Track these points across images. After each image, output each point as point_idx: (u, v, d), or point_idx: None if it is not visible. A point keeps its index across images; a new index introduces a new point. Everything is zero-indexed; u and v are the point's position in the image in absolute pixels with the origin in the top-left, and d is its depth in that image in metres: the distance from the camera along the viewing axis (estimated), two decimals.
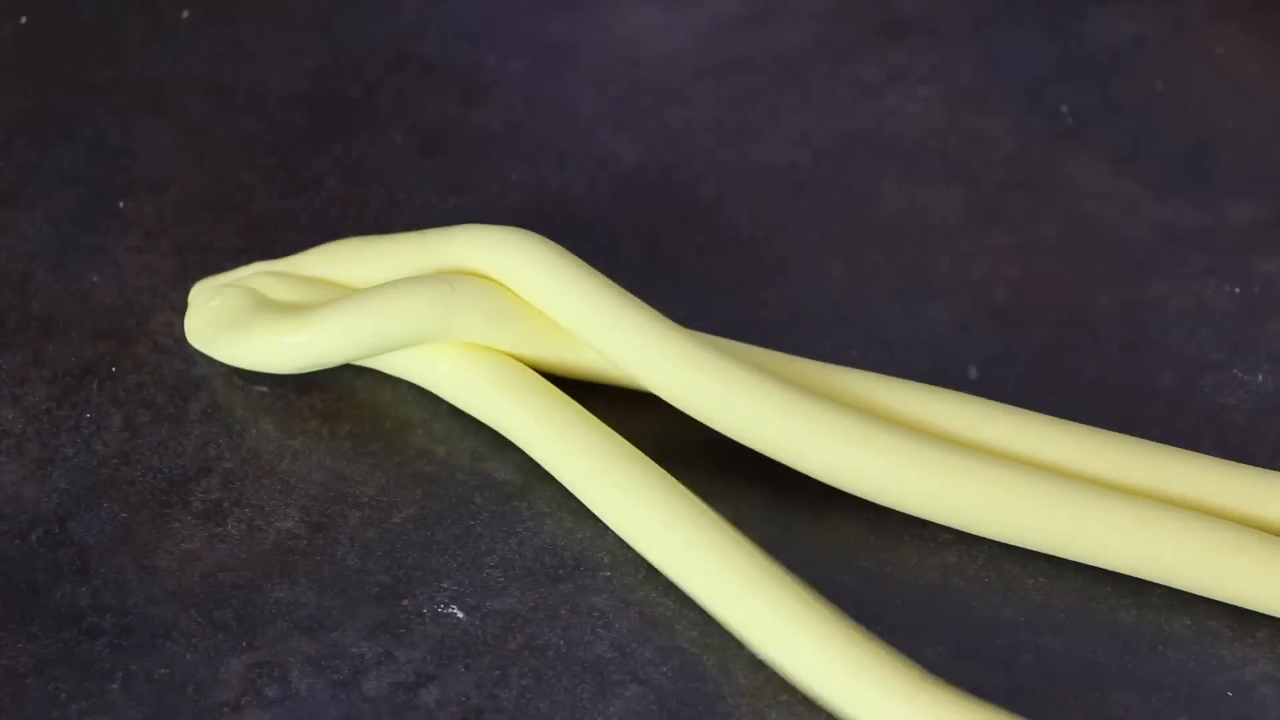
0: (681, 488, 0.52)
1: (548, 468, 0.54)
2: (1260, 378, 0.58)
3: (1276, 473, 0.53)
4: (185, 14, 0.69)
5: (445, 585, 0.53)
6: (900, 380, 0.55)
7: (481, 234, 0.56)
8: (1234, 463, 0.53)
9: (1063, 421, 0.54)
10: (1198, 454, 0.53)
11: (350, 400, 0.57)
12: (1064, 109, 0.66)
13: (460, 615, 0.52)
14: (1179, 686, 0.50)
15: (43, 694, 0.50)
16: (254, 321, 0.56)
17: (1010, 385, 0.57)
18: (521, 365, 0.55)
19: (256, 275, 0.58)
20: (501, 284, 0.56)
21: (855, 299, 0.60)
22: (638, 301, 0.55)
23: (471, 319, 0.55)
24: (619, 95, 0.66)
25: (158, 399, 0.57)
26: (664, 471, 0.53)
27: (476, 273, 0.56)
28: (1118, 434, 0.54)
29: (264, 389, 0.57)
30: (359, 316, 0.55)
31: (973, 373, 0.58)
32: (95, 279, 0.60)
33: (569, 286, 0.55)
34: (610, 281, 0.55)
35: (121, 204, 0.63)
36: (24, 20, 0.69)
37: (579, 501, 0.54)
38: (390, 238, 0.58)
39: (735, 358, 0.54)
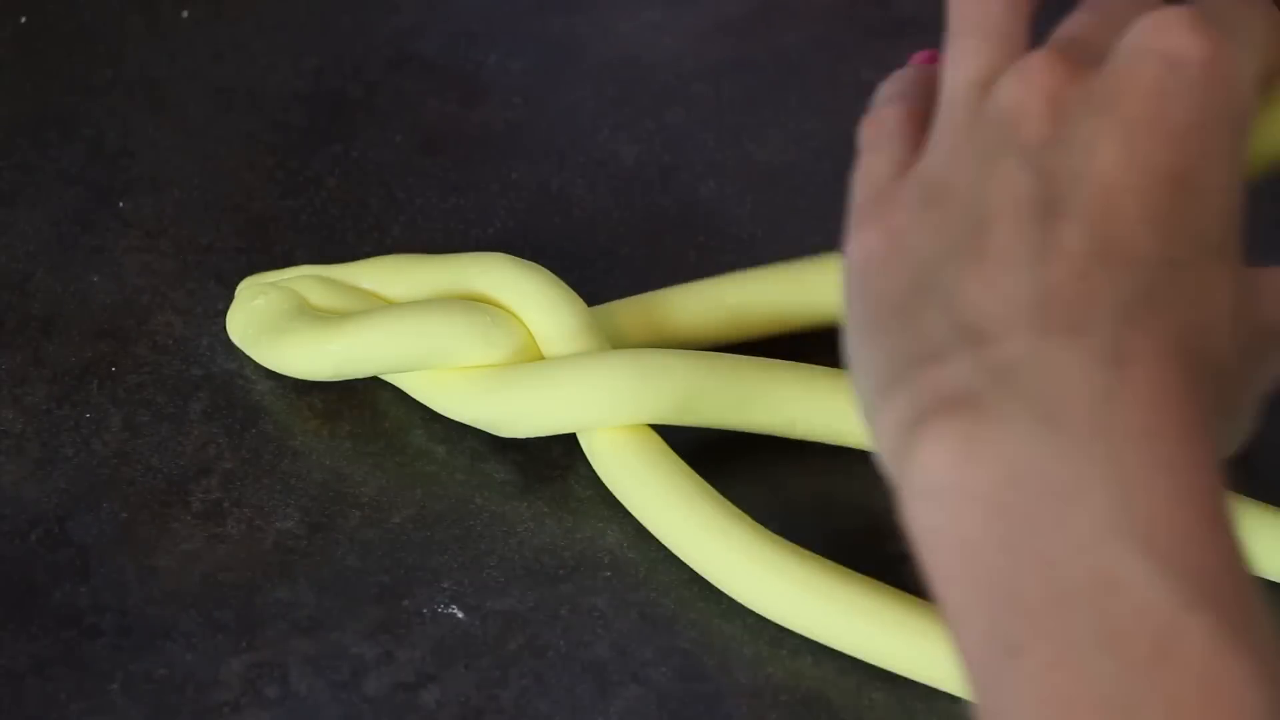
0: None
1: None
2: None
3: None
4: (185, 13, 0.69)
5: (445, 585, 0.53)
6: None
7: (504, 269, 0.56)
8: None
9: None
10: None
11: (350, 400, 0.57)
12: None
13: (460, 615, 0.52)
14: None
15: (42, 694, 0.50)
16: (289, 327, 0.56)
17: None
18: None
19: (302, 278, 0.58)
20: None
21: None
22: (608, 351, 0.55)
23: (505, 349, 0.55)
24: (619, 95, 0.66)
25: (157, 399, 0.57)
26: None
27: (501, 303, 0.56)
28: None
29: (265, 389, 0.57)
30: (395, 331, 0.55)
31: None
32: (95, 279, 0.60)
33: (566, 325, 0.55)
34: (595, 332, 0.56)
35: (121, 204, 0.63)
36: (24, 20, 0.68)
37: (579, 501, 0.54)
38: (438, 259, 0.58)
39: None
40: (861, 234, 0.45)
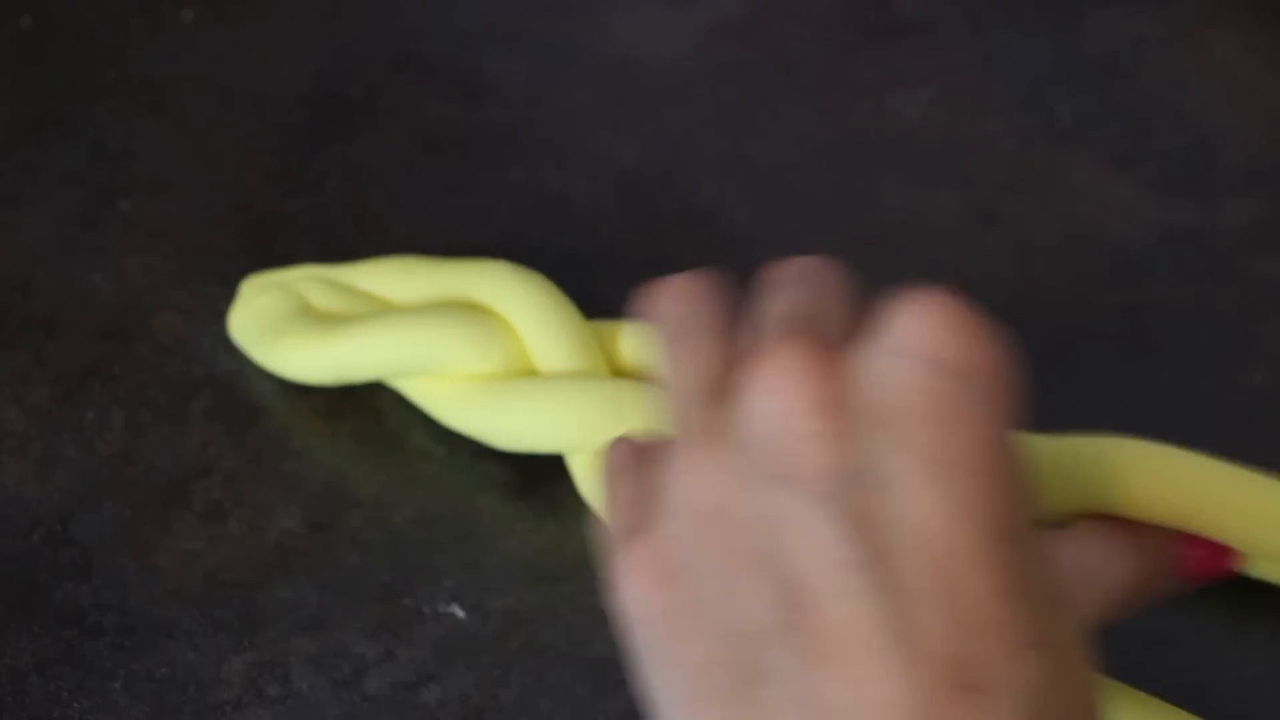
0: None
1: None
2: (1259, 378, 0.58)
3: None
4: (187, 15, 0.69)
5: (446, 584, 0.53)
6: None
7: (503, 278, 0.56)
8: None
9: None
10: None
11: (351, 400, 0.57)
12: (1064, 110, 0.66)
13: (461, 614, 0.52)
14: (1179, 686, 0.50)
15: (45, 692, 0.50)
16: (290, 330, 0.56)
17: None
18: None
19: (305, 279, 0.58)
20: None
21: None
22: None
23: (498, 361, 0.55)
24: (619, 95, 0.66)
25: (159, 399, 0.57)
26: None
27: (499, 312, 0.56)
28: None
29: (266, 389, 0.57)
30: (392, 338, 0.55)
31: None
32: (97, 279, 0.60)
33: (559, 341, 0.55)
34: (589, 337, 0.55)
35: (123, 205, 0.63)
36: (27, 22, 0.69)
37: (579, 501, 0.54)
38: (441, 263, 0.58)
39: None
40: (632, 575, 0.40)
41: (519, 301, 0.55)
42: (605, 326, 0.56)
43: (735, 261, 0.61)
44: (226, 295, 0.59)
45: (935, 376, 0.37)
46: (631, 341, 0.55)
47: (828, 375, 0.37)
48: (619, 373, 0.55)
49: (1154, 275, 0.61)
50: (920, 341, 0.37)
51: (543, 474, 0.55)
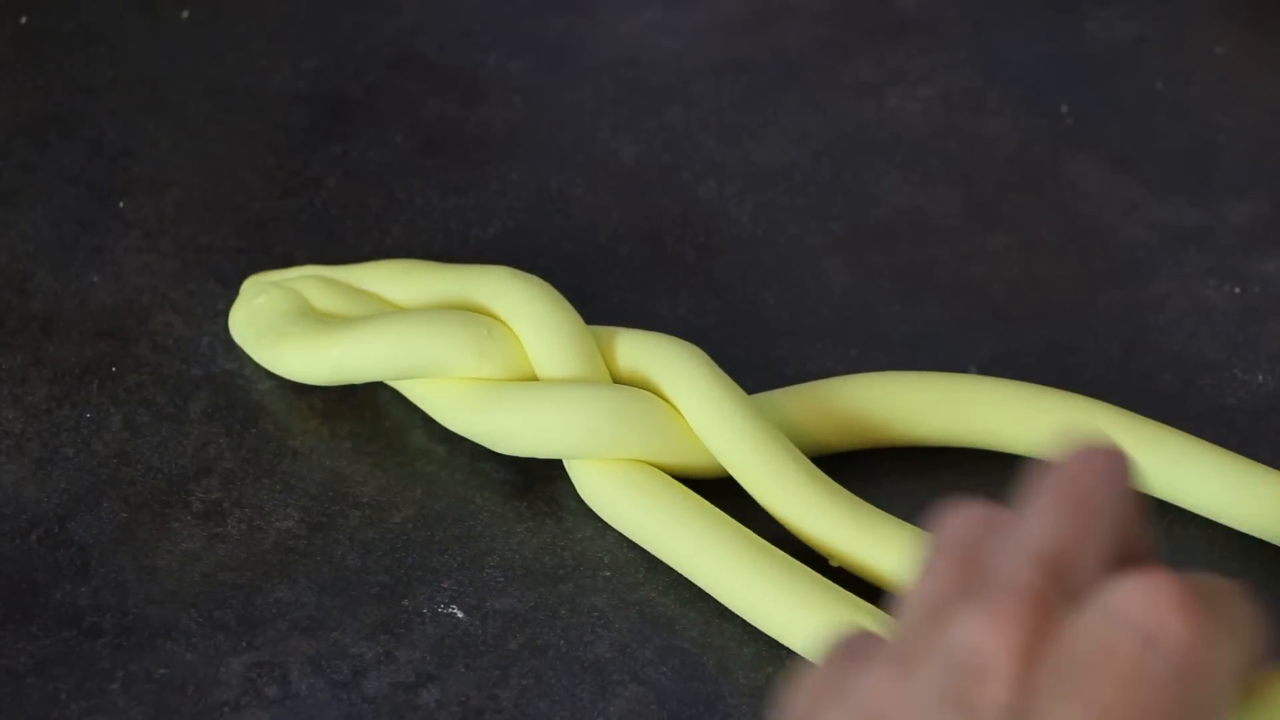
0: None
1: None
2: (1260, 378, 0.58)
3: None
4: (185, 14, 0.69)
5: (445, 585, 0.53)
6: None
7: (505, 283, 0.56)
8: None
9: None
10: None
11: (350, 400, 0.57)
12: (1064, 109, 0.66)
13: (460, 615, 0.52)
14: None
15: (43, 693, 0.50)
16: (289, 330, 0.56)
17: None
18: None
19: (306, 279, 0.58)
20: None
21: (855, 299, 0.60)
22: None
23: (497, 365, 0.55)
24: (619, 95, 0.66)
25: (158, 399, 0.57)
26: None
27: (499, 317, 0.56)
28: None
29: (265, 389, 0.57)
30: (391, 340, 0.55)
31: (972, 372, 0.58)
32: (95, 279, 0.60)
33: (559, 346, 0.55)
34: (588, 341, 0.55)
35: (121, 204, 0.63)
36: (24, 20, 0.68)
37: (579, 501, 0.54)
38: (443, 267, 0.58)
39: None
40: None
41: (520, 306, 0.55)
42: (604, 332, 0.56)
43: (735, 261, 0.61)
44: (225, 295, 0.59)
45: (1137, 646, 0.38)
46: (630, 348, 0.55)
47: (1039, 630, 0.38)
48: (618, 379, 0.55)
49: (1154, 274, 0.61)
50: (1137, 612, 0.38)
51: (542, 474, 0.55)
